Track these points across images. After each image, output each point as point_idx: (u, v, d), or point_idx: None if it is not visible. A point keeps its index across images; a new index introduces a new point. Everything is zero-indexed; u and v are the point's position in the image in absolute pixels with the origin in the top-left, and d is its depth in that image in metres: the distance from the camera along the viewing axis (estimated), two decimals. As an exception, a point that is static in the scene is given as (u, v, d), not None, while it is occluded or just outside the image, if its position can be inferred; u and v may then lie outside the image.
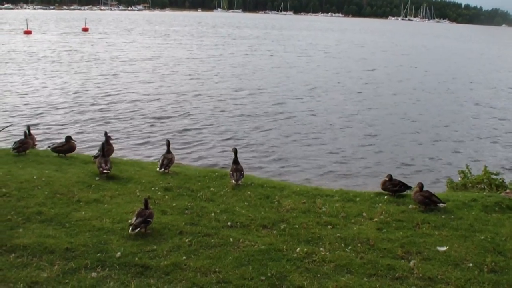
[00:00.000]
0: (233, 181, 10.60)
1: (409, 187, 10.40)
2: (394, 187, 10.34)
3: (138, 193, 9.83)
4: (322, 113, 29.55)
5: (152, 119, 26.23)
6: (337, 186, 13.07)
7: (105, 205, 9.07)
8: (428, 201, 9.48)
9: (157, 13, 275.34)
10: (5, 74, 39.47)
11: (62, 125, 24.28)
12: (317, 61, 59.46)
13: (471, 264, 7.28)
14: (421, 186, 9.67)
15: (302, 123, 26.82)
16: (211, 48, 70.95)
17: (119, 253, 7.11)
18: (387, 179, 10.47)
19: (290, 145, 22.49)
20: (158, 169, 11.43)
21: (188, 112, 28.25)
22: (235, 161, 10.91)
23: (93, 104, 29.34)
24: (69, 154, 12.69)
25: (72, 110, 27.57)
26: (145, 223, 7.91)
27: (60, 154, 12.54)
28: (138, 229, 7.82)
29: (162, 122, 25.77)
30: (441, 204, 9.52)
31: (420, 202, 9.54)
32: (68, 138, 12.62)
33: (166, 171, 11.41)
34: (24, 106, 27.91)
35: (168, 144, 11.84)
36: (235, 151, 11.06)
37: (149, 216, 7.97)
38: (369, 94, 37.20)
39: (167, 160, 11.48)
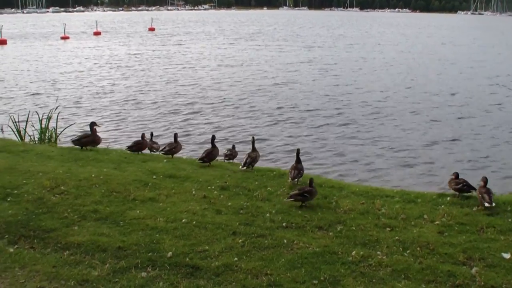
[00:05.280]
0: (290, 178, 10.41)
1: (473, 188, 9.90)
2: (457, 185, 9.90)
3: (194, 192, 9.76)
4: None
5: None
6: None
7: (160, 204, 9.06)
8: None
9: (225, 12, 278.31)
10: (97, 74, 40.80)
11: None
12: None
13: (539, 274, 6.79)
14: (485, 181, 9.38)
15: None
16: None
17: (170, 253, 7.05)
18: (453, 177, 10.07)
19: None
20: (240, 167, 11.49)
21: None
22: (297, 161, 10.76)
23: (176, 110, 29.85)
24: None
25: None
26: (301, 196, 8.94)
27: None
28: (292, 199, 8.99)
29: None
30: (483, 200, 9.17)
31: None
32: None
33: (250, 169, 11.45)
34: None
35: (253, 142, 12.05)
36: (298, 151, 10.91)
37: (308, 192, 8.98)
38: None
39: (251, 158, 11.49)
